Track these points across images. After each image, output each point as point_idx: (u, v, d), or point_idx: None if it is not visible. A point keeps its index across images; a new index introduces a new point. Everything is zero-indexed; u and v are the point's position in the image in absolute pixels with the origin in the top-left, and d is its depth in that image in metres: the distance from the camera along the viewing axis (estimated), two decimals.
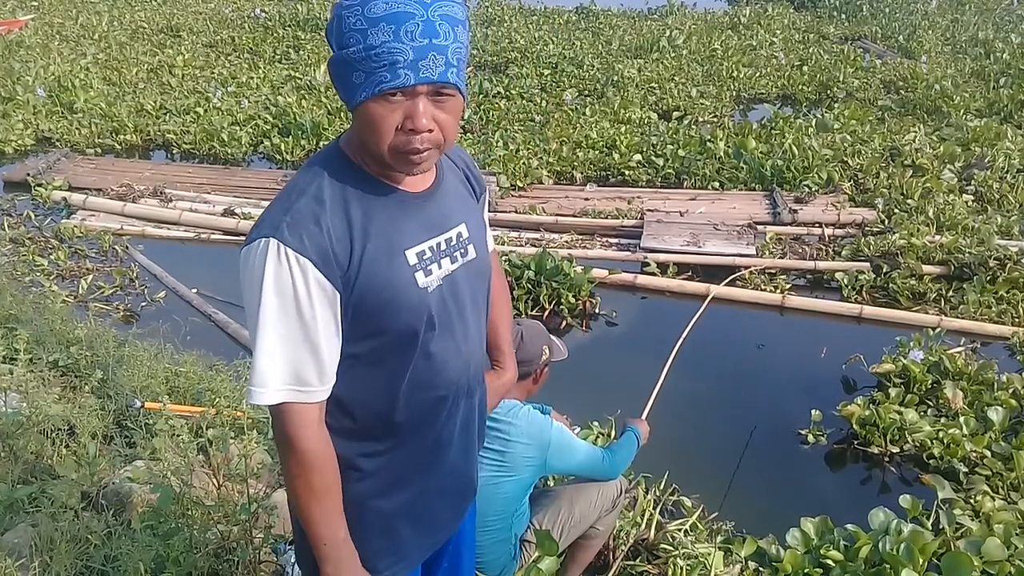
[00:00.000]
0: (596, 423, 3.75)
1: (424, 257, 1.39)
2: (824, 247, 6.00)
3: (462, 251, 1.46)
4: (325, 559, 1.41)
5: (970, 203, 6.36)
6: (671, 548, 2.93)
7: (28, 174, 7.08)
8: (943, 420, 3.93)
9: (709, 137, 7.70)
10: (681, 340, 4.27)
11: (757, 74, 10.60)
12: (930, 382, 4.18)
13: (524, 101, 9.27)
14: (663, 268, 5.66)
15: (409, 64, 1.23)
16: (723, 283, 5.40)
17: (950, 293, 5.28)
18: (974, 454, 3.65)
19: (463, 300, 1.47)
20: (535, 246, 5.93)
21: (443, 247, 1.42)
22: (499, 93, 9.52)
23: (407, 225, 1.38)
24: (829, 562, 2.82)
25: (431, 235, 1.41)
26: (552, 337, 2.54)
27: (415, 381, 1.43)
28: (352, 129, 1.37)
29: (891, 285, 5.34)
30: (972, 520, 3.13)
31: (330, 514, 1.40)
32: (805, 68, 10.74)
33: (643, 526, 3.08)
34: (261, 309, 1.28)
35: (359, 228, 1.32)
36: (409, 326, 1.38)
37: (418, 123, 1.27)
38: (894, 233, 5.77)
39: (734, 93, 9.98)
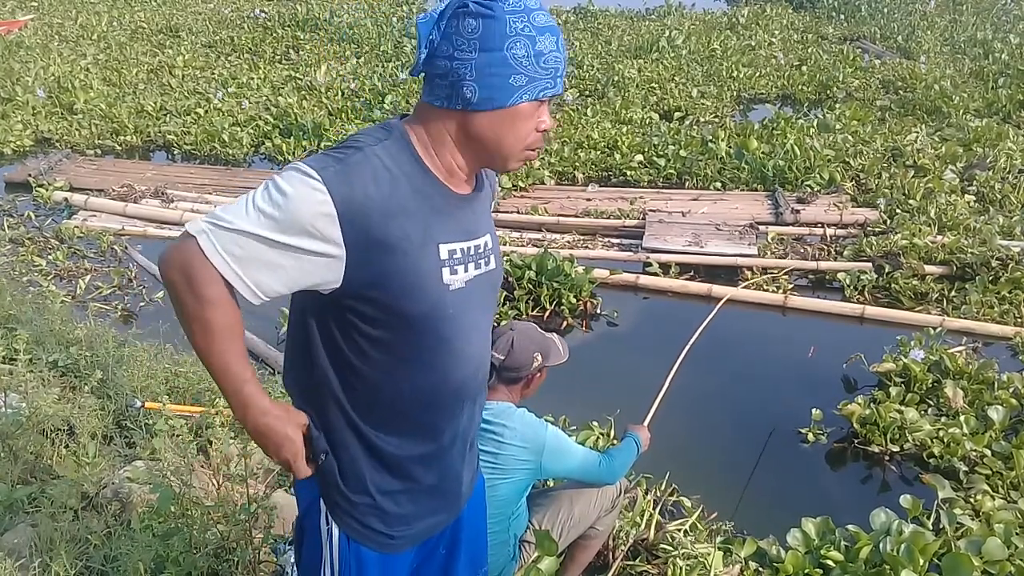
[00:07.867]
0: (595, 423, 3.75)
1: (454, 256, 1.42)
2: (826, 247, 5.99)
3: (485, 260, 1.50)
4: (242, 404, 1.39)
5: (972, 203, 6.34)
6: (671, 548, 2.93)
7: (29, 175, 7.08)
8: (943, 419, 3.92)
9: (710, 137, 7.70)
10: (688, 347, 4.25)
11: (757, 74, 10.60)
12: (931, 381, 4.18)
13: None
14: (665, 268, 5.66)
15: (561, 74, 1.39)
16: (740, 286, 5.38)
17: (952, 293, 5.27)
18: (974, 453, 3.65)
19: (479, 306, 1.51)
20: (537, 246, 5.93)
21: (471, 252, 1.46)
22: None
23: (446, 222, 1.41)
24: (829, 563, 2.81)
25: (465, 238, 1.45)
26: (551, 337, 2.49)
27: (432, 377, 1.46)
28: (448, 125, 1.38)
29: (893, 285, 5.33)
30: (972, 519, 3.12)
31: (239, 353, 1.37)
32: (804, 68, 10.74)
33: (643, 526, 3.08)
34: (271, 208, 1.27)
35: (400, 205, 1.34)
36: (429, 317, 1.40)
37: (551, 125, 1.44)
38: (896, 233, 5.76)
39: (734, 93, 9.98)
